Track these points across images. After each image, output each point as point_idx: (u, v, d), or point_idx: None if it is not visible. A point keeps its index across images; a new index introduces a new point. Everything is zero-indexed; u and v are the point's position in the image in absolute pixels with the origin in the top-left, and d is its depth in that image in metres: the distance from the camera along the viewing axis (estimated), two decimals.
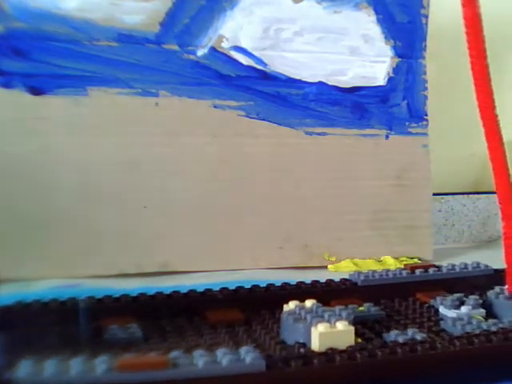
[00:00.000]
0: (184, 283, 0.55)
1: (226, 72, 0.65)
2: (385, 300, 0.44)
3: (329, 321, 0.34)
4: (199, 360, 0.28)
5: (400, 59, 0.71)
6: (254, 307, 0.40)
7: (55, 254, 0.59)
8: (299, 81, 0.68)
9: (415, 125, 0.72)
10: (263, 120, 0.66)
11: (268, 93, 0.66)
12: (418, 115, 0.72)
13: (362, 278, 0.45)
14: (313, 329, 0.33)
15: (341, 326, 0.33)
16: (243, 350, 0.29)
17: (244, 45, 0.66)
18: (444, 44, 0.79)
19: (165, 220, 0.63)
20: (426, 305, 0.43)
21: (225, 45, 0.65)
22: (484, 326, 0.36)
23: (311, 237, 0.67)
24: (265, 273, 0.63)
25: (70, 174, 0.61)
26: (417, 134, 0.72)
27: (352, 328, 0.33)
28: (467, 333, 0.35)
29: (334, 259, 0.67)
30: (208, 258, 0.64)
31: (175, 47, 0.63)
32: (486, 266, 0.50)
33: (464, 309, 0.39)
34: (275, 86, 0.67)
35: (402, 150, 0.71)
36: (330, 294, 0.43)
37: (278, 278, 0.61)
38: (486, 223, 0.85)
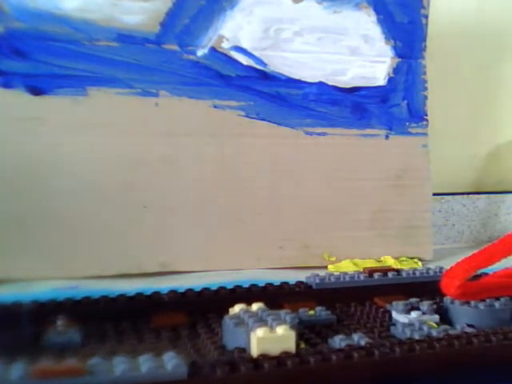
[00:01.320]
0: (184, 283, 0.56)
1: (226, 72, 0.65)
2: (340, 304, 0.43)
3: (270, 325, 0.33)
4: (118, 367, 0.27)
5: (400, 59, 0.71)
6: (202, 311, 0.39)
7: (55, 254, 0.60)
8: (299, 81, 0.68)
9: (415, 125, 0.72)
10: (263, 120, 0.66)
11: (268, 93, 0.66)
12: (418, 115, 0.72)
13: (317, 281, 0.44)
14: (252, 333, 0.32)
15: (281, 330, 0.32)
16: (166, 356, 0.28)
17: (244, 45, 0.66)
18: (444, 44, 0.79)
19: (165, 220, 0.63)
20: (382, 309, 0.42)
21: (225, 45, 0.65)
22: (433, 332, 0.35)
23: (311, 237, 0.67)
24: (265, 273, 0.63)
25: (70, 173, 0.61)
26: (417, 134, 0.72)
27: (292, 333, 0.32)
28: (409, 339, 0.34)
29: (334, 259, 0.67)
30: (208, 257, 0.64)
31: (175, 47, 0.63)
32: (441, 269, 0.48)
33: (415, 314, 0.38)
34: (275, 86, 0.67)
35: (402, 150, 0.71)
36: (283, 298, 0.42)
37: (278, 278, 0.61)
38: (485, 223, 0.85)
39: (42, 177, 0.60)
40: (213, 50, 0.65)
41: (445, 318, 0.39)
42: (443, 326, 0.36)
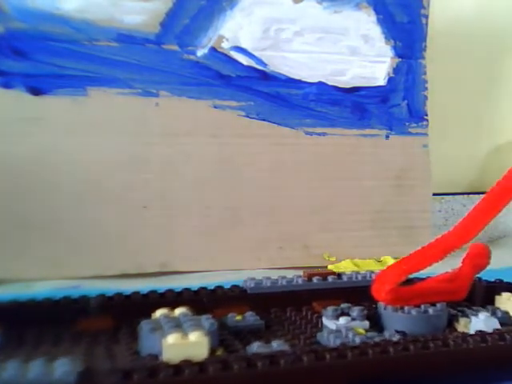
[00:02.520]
0: (184, 283, 0.55)
1: (226, 72, 0.65)
2: (276, 309, 0.41)
3: (185, 331, 0.31)
4: (5, 373, 0.26)
5: (400, 59, 0.71)
6: (129, 315, 0.37)
7: (55, 254, 0.60)
8: (299, 81, 0.68)
9: (415, 125, 0.72)
10: (263, 120, 0.66)
11: (268, 93, 0.66)
12: (418, 115, 0.72)
13: (251, 285, 0.42)
14: (163, 340, 0.31)
15: (193, 337, 0.31)
16: (59, 362, 0.27)
17: (244, 45, 0.66)
18: (444, 44, 0.79)
19: (165, 220, 0.63)
20: (316, 315, 0.40)
21: (225, 45, 0.65)
22: (357, 339, 0.33)
23: (311, 237, 0.67)
24: (265, 273, 0.63)
25: (70, 173, 0.61)
26: (417, 134, 0.72)
27: (205, 339, 0.31)
28: (324, 347, 0.32)
29: (334, 259, 0.67)
30: (208, 257, 0.64)
31: (175, 47, 0.63)
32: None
33: (343, 320, 0.36)
34: (275, 86, 0.67)
35: (402, 150, 0.71)
36: (216, 302, 0.40)
37: None
38: None
39: (42, 177, 0.60)
40: (213, 49, 0.65)
41: (378, 324, 0.38)
42: (371, 333, 0.35)
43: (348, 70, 0.69)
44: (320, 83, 0.68)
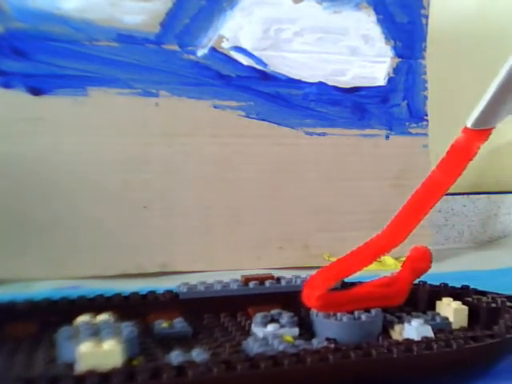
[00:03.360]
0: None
1: (226, 72, 0.65)
2: (209, 315, 0.39)
3: (101, 339, 0.30)
4: None
5: (400, 59, 0.71)
6: (57, 321, 0.35)
7: (55, 254, 0.60)
8: (299, 81, 0.68)
9: (415, 125, 0.72)
10: (263, 120, 0.66)
11: (268, 93, 0.66)
12: (418, 115, 0.72)
13: (184, 290, 0.40)
14: (76, 348, 0.29)
15: (107, 345, 0.29)
16: None
17: (244, 45, 0.66)
18: (444, 44, 0.79)
19: (165, 220, 0.63)
20: (250, 321, 0.38)
21: (225, 45, 0.65)
22: (281, 347, 0.32)
23: (311, 237, 0.67)
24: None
25: (70, 173, 0.61)
26: (417, 134, 0.72)
27: (119, 348, 0.29)
28: (228, 359, 0.30)
29: (334, 259, 0.67)
30: (208, 258, 0.64)
31: (175, 47, 0.63)
32: None
33: (271, 327, 0.35)
34: (275, 86, 0.67)
35: (401, 150, 0.71)
36: (147, 307, 0.38)
37: None
38: (485, 223, 0.85)
39: (42, 177, 0.60)
40: (213, 49, 0.65)
41: (310, 331, 0.36)
42: (299, 341, 0.33)
43: (348, 70, 0.69)
44: (320, 83, 0.68)
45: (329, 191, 0.68)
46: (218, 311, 0.40)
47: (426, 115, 0.72)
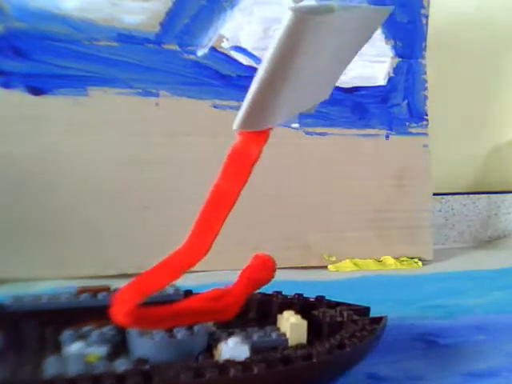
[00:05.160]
0: (184, 283, 0.55)
1: (226, 72, 0.65)
2: (32, 329, 0.35)
3: None
4: None
5: (400, 59, 0.71)
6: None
7: (55, 254, 0.60)
8: None
9: (415, 125, 0.72)
10: None
11: None
12: (418, 115, 0.72)
13: (9, 302, 0.36)
14: None
15: None
16: None
17: (244, 45, 0.66)
18: (444, 44, 0.79)
19: (165, 220, 0.63)
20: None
21: (225, 45, 0.65)
22: (80, 367, 0.29)
23: (311, 237, 0.67)
24: None
25: (69, 173, 0.61)
26: (417, 134, 0.72)
27: None
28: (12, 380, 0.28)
29: (333, 259, 0.67)
30: (208, 257, 0.64)
31: (175, 47, 0.63)
32: (178, 289, 0.41)
33: (77, 345, 0.32)
34: None
35: (402, 150, 0.71)
36: None
37: (278, 278, 0.61)
38: (485, 223, 0.85)
39: (42, 177, 0.60)
40: (213, 49, 0.65)
41: (127, 349, 0.33)
42: (100, 362, 0.30)
43: (348, 69, 0.69)
44: None
45: (329, 191, 0.68)
46: (44, 325, 0.35)
47: (426, 115, 0.72)
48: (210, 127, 0.64)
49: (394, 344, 0.41)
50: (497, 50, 0.86)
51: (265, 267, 0.38)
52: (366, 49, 0.69)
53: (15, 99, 0.59)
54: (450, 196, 0.83)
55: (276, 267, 0.37)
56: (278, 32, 0.26)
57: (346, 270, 0.66)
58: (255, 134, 0.33)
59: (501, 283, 0.60)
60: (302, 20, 0.24)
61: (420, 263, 0.69)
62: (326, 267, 0.66)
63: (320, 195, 0.68)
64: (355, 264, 0.67)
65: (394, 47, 0.71)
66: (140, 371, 0.28)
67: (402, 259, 0.69)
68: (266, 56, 0.28)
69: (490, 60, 0.86)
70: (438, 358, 0.39)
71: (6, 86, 0.59)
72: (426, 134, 0.72)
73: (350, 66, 0.69)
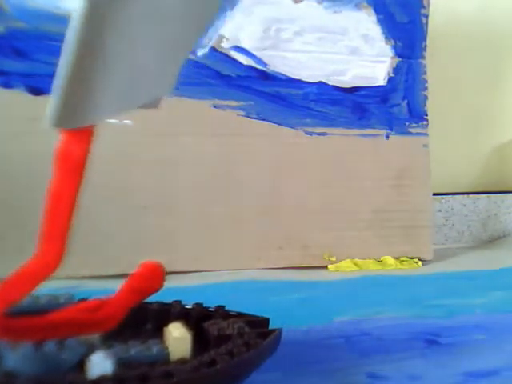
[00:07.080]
0: (184, 283, 0.56)
1: (226, 72, 0.65)
2: None
3: None
4: None
5: (400, 59, 0.71)
6: None
7: None
8: (299, 81, 0.68)
9: (415, 125, 0.72)
10: (263, 120, 0.66)
11: (268, 93, 0.66)
12: (418, 115, 0.72)
13: None
14: None
15: None
16: None
17: (244, 45, 0.66)
18: (444, 44, 0.79)
19: (165, 220, 0.63)
20: None
21: (225, 45, 0.65)
22: None
23: (311, 237, 0.67)
24: (265, 273, 0.63)
25: None
26: (417, 134, 0.72)
27: None
28: None
29: (334, 259, 0.67)
30: (208, 258, 0.64)
31: None
32: (72, 297, 0.37)
33: None
34: (275, 86, 0.67)
35: (402, 150, 0.71)
36: None
37: (278, 278, 0.61)
38: (485, 223, 0.85)
39: (42, 177, 0.60)
40: (213, 49, 0.65)
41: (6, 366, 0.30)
42: None
43: (348, 70, 0.69)
44: (320, 83, 0.68)
45: (329, 191, 0.68)
46: None
47: (426, 115, 0.72)
48: (210, 127, 0.65)
49: (394, 344, 0.41)
50: (497, 50, 0.86)
51: (153, 275, 0.35)
52: (365, 49, 0.70)
53: (15, 99, 0.59)
54: (449, 196, 0.83)
55: (165, 276, 0.35)
56: (77, 12, 0.24)
57: (346, 270, 0.66)
58: (77, 133, 0.31)
59: (501, 283, 0.60)
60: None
61: (420, 263, 0.69)
62: (326, 267, 0.66)
63: (320, 195, 0.68)
64: (355, 264, 0.67)
65: (394, 47, 0.71)
66: None
67: (401, 259, 0.69)
68: (68, 39, 0.26)
69: (490, 60, 0.86)
70: (438, 358, 0.39)
71: (6, 85, 0.59)
72: (425, 134, 0.72)
73: (350, 66, 0.70)
